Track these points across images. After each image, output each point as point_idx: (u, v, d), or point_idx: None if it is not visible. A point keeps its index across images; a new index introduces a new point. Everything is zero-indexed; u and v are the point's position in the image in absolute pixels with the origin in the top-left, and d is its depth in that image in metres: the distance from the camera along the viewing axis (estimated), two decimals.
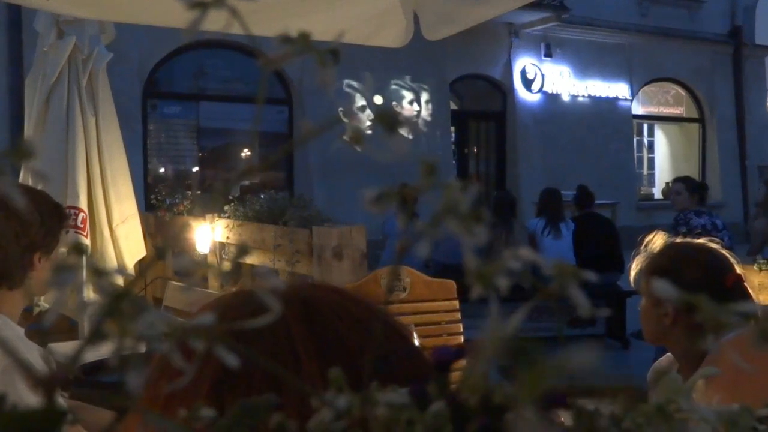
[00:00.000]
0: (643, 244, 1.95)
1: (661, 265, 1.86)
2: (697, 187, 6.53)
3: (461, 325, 2.88)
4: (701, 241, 1.91)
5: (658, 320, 1.82)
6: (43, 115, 4.34)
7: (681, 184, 6.52)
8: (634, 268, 1.92)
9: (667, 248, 1.89)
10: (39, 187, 4.64)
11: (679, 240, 1.95)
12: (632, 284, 1.92)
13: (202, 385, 0.53)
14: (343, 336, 0.56)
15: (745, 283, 1.80)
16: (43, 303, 4.38)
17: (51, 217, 1.89)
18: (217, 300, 0.62)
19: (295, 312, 0.57)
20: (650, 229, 1.98)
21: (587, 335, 6.91)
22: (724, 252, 1.86)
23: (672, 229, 5.65)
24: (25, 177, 4.41)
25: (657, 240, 1.94)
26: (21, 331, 1.85)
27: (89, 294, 4.42)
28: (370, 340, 0.54)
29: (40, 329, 3.55)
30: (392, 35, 2.84)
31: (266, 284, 0.37)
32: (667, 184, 15.30)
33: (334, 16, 2.88)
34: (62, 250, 4.63)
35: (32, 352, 1.66)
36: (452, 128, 13.11)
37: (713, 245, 1.89)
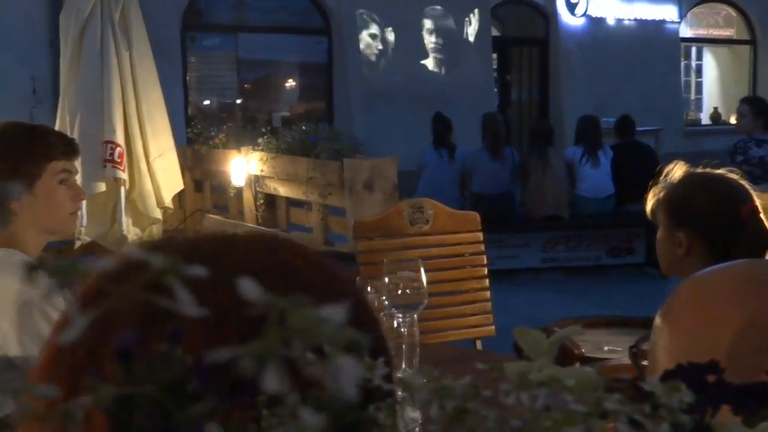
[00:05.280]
0: (663, 174, 1.92)
1: (676, 194, 1.85)
2: (765, 109, 5.75)
3: (485, 257, 2.89)
4: (720, 171, 1.88)
5: (672, 250, 1.81)
6: (78, 51, 4.37)
7: (746, 105, 5.80)
8: (651, 198, 1.90)
9: (684, 178, 1.87)
10: (76, 122, 4.68)
11: (699, 170, 1.93)
12: (649, 215, 1.90)
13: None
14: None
15: (761, 215, 1.78)
16: (85, 236, 4.48)
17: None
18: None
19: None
20: (697, 155, 1.94)
21: (626, 264, 6.87)
22: (742, 182, 1.84)
23: (729, 157, 5.37)
24: (62, 112, 4.49)
25: (677, 170, 1.91)
26: None
27: (128, 227, 4.52)
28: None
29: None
30: None
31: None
32: (715, 108, 14.92)
33: None
34: (101, 184, 4.70)
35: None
36: (494, 55, 12.89)
37: (732, 175, 1.86)
